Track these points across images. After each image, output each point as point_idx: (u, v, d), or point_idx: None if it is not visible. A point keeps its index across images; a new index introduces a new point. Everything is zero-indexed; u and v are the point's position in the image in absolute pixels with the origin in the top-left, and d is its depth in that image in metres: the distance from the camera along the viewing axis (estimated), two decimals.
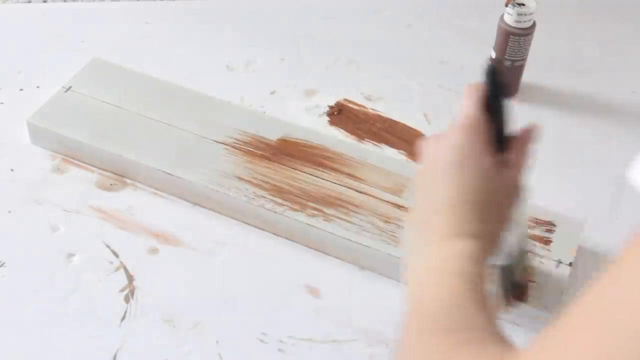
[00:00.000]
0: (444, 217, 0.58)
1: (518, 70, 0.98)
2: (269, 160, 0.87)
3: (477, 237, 0.57)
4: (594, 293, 0.39)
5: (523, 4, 0.92)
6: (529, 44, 0.95)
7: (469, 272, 0.55)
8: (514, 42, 0.94)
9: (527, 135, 0.63)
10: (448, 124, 0.62)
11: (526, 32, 0.94)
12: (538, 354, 0.41)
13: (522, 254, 0.73)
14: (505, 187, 0.60)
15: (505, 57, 0.95)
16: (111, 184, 0.88)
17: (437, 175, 0.60)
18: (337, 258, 0.82)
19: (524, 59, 0.97)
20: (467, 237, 0.57)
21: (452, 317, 0.52)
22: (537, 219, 0.82)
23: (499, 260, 0.67)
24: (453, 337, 0.49)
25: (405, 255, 0.60)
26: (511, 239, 0.66)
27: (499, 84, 0.62)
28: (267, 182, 0.84)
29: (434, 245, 0.57)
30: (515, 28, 0.93)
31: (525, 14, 0.92)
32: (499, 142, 0.61)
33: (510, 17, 0.93)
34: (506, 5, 0.93)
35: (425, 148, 0.62)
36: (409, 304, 0.55)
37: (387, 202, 0.83)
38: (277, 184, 0.84)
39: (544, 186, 0.89)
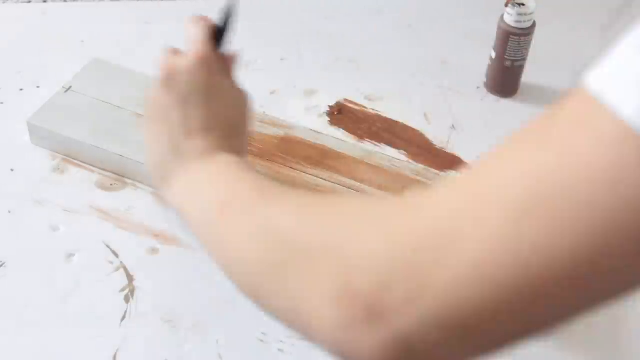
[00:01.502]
0: (198, 140, 0.63)
1: (518, 70, 0.98)
2: (269, 160, 0.87)
3: (233, 152, 0.62)
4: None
5: (523, 4, 0.92)
6: (529, 44, 0.95)
7: (248, 170, 0.59)
8: (514, 42, 0.94)
9: (234, 56, 0.72)
10: (173, 55, 0.70)
11: (526, 32, 0.94)
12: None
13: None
14: (239, 100, 0.69)
15: (505, 57, 0.95)
16: (111, 184, 0.88)
17: (180, 107, 0.65)
18: None
19: (524, 59, 0.97)
20: (224, 152, 0.62)
21: (272, 188, 0.54)
22: None
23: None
24: (296, 196, 0.52)
25: (161, 190, 0.65)
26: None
27: (229, 23, 0.72)
28: None
29: (197, 163, 0.62)
30: (515, 28, 0.93)
31: (525, 14, 0.92)
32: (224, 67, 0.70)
33: (510, 17, 0.93)
34: (506, 6, 0.93)
35: (159, 85, 0.67)
36: (202, 212, 0.57)
37: None
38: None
39: None
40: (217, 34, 0.72)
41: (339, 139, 0.92)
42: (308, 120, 0.95)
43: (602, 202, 0.35)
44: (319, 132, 0.91)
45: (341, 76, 1.03)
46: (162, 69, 0.68)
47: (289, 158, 0.87)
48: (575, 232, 0.35)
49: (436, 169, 0.90)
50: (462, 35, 1.10)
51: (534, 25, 0.94)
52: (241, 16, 1.12)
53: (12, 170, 0.89)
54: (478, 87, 1.02)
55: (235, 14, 0.72)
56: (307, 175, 0.85)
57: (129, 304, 0.77)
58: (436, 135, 0.95)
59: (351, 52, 1.07)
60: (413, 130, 0.96)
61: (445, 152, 0.93)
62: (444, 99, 1.00)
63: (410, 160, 0.91)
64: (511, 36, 0.94)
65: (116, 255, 0.81)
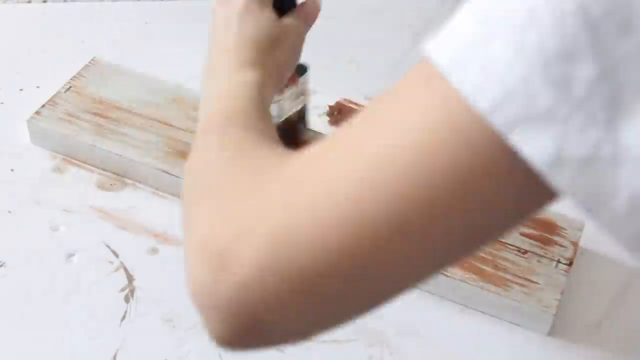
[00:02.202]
0: (229, 55, 0.68)
1: None
2: None
3: (258, 67, 0.66)
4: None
5: None
6: None
7: (253, 96, 0.63)
8: None
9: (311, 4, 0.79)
10: None
11: None
12: (321, 149, 0.44)
13: (301, 113, 0.81)
14: (285, 34, 0.72)
15: None
16: (111, 184, 0.88)
17: (224, 23, 0.70)
18: None
19: None
20: (249, 67, 0.66)
21: (240, 118, 0.58)
22: (537, 218, 0.82)
23: (277, 118, 0.77)
24: (244, 133, 0.55)
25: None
26: (290, 98, 0.80)
27: None
28: None
29: (221, 78, 0.67)
30: None
31: None
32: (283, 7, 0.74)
33: None
34: None
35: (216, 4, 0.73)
36: (204, 113, 0.63)
37: None
38: None
39: None
40: None
41: None
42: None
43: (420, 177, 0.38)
44: (319, 132, 0.91)
45: (341, 76, 1.03)
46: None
47: None
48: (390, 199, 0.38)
49: None
50: None
51: None
52: None
53: (12, 170, 0.89)
54: None
55: None
56: None
57: (129, 304, 0.77)
58: None
59: (351, 52, 1.07)
60: None
61: None
62: None
63: None
64: None
65: (116, 255, 0.81)
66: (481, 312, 0.78)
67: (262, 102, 0.63)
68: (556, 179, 0.35)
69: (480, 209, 0.38)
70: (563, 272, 0.78)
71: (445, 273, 0.77)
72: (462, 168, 0.37)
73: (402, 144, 0.38)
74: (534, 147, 0.34)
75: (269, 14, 0.71)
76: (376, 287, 0.41)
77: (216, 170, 0.50)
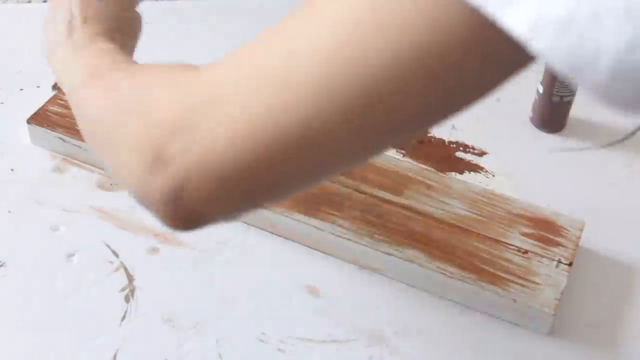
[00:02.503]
0: (90, 27, 0.68)
1: (566, 105, 0.95)
2: None
3: (116, 43, 0.68)
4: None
5: None
6: None
7: (113, 52, 0.64)
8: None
9: None
10: None
11: None
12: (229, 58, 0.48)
13: None
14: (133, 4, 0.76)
15: (554, 92, 0.93)
16: (111, 184, 0.88)
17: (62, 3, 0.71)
18: (337, 258, 0.82)
19: (573, 94, 0.93)
20: (109, 41, 0.67)
21: (128, 65, 0.60)
22: (537, 218, 0.82)
23: None
24: (142, 68, 0.57)
25: (52, 64, 0.70)
26: None
27: None
28: None
29: (86, 43, 0.67)
30: None
31: None
32: None
33: None
34: None
35: None
36: (72, 83, 0.63)
37: (387, 201, 0.83)
38: None
39: (545, 186, 0.89)
40: None
41: None
42: None
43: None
44: None
45: None
46: None
47: None
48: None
49: (436, 168, 0.90)
50: None
51: None
52: (241, 16, 1.12)
53: (12, 170, 0.89)
54: None
55: None
56: None
57: (129, 304, 0.77)
58: (436, 135, 0.95)
59: None
60: None
61: (445, 152, 0.93)
62: None
63: (410, 160, 0.91)
64: None
65: (116, 255, 0.81)
66: (481, 312, 0.78)
67: (119, 56, 0.64)
68: (536, 43, 0.35)
69: (455, 84, 0.40)
70: (563, 272, 0.78)
71: (445, 273, 0.77)
72: (438, 44, 0.38)
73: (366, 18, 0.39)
74: (513, 16, 0.35)
75: None
76: (310, 169, 0.45)
77: (132, 93, 0.52)
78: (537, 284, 0.77)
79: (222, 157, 0.44)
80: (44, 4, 1.14)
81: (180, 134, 0.45)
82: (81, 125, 0.60)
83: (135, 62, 0.63)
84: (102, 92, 0.56)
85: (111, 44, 0.67)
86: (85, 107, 0.59)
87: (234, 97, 0.44)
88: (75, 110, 0.61)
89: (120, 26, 0.72)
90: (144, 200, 0.49)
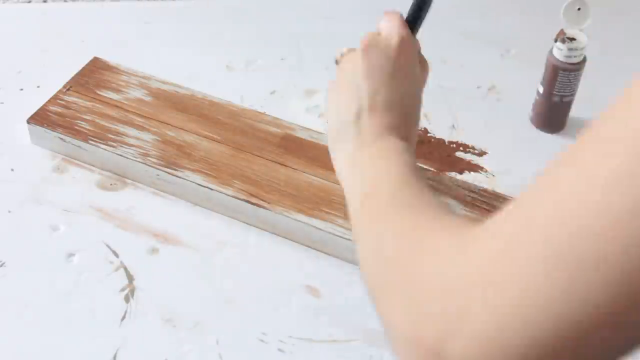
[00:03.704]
0: (377, 117, 0.65)
1: (566, 105, 0.95)
2: (269, 160, 0.87)
3: (404, 138, 0.64)
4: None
5: (574, 39, 0.89)
6: (579, 80, 0.92)
7: (408, 161, 0.61)
8: (563, 77, 0.91)
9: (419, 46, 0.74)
10: (364, 40, 0.70)
11: (576, 68, 0.90)
12: (512, 211, 0.41)
13: None
14: (420, 89, 0.70)
15: (554, 92, 0.92)
16: (111, 184, 0.88)
17: (372, 79, 0.66)
18: (337, 258, 0.82)
19: (573, 95, 0.93)
20: (397, 137, 0.64)
21: (405, 194, 0.56)
22: None
23: None
24: (415, 212, 0.53)
25: (334, 152, 0.67)
26: None
27: (422, 13, 0.75)
28: (266, 182, 0.84)
29: (373, 140, 0.64)
30: (565, 63, 0.90)
31: (576, 49, 0.89)
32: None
33: (560, 52, 0.90)
34: (556, 41, 0.89)
35: (359, 55, 0.70)
36: (354, 193, 0.61)
37: None
38: (277, 183, 0.84)
39: None
40: (409, 19, 0.75)
41: None
42: (308, 120, 0.95)
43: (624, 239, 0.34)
44: (319, 132, 0.91)
45: None
46: (364, 41, 0.70)
47: (289, 158, 0.87)
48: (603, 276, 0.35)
49: (436, 168, 0.90)
50: (462, 35, 1.10)
51: (584, 60, 0.91)
52: (241, 16, 1.12)
53: (12, 170, 0.89)
54: (479, 87, 1.02)
55: (428, 4, 0.75)
56: (307, 175, 0.85)
57: (129, 304, 0.77)
58: (436, 135, 0.95)
59: None
60: None
61: (444, 152, 0.93)
62: (444, 99, 1.00)
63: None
64: (561, 71, 0.91)
65: (116, 255, 0.81)
66: None
67: (414, 165, 0.61)
68: None
69: None
70: None
71: None
72: None
73: None
74: None
75: (417, 71, 0.70)
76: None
77: (398, 260, 0.48)
78: None
79: (512, 346, 0.38)
80: (44, 4, 1.14)
81: (455, 324, 0.40)
82: (355, 239, 0.57)
83: (418, 176, 0.59)
84: (372, 227, 0.55)
85: (398, 140, 0.63)
86: (357, 231, 0.57)
87: (510, 277, 0.38)
88: (351, 221, 0.59)
89: (407, 115, 0.67)
90: None
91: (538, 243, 0.37)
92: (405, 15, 0.73)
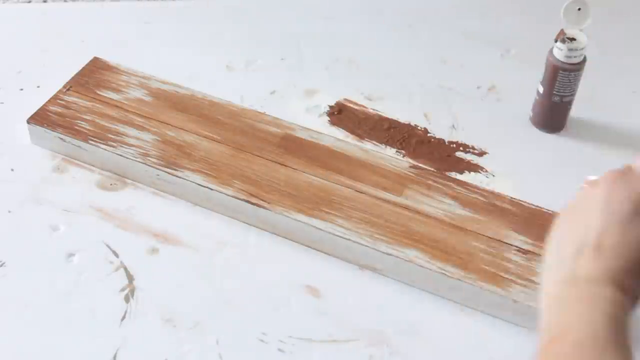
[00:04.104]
0: (601, 259, 0.58)
1: (566, 105, 0.94)
2: (269, 160, 0.87)
3: (624, 290, 0.56)
4: None
5: (574, 39, 0.89)
6: (579, 80, 0.92)
7: (617, 316, 0.54)
8: (563, 77, 0.91)
9: None
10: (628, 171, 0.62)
11: (576, 68, 0.90)
12: None
13: None
14: None
15: (554, 92, 0.92)
16: (111, 184, 0.88)
17: (609, 215, 0.59)
18: (337, 258, 0.82)
19: (573, 95, 0.93)
20: (615, 286, 0.56)
21: (593, 348, 0.51)
22: (537, 217, 0.82)
23: None
24: None
25: (544, 278, 0.60)
26: None
27: None
28: (266, 182, 0.84)
29: (587, 281, 0.57)
30: (565, 63, 0.90)
31: (576, 49, 0.89)
32: None
33: (560, 52, 0.89)
34: (556, 41, 0.89)
35: (605, 184, 0.62)
36: (547, 327, 0.56)
37: (387, 201, 0.83)
38: (277, 183, 0.84)
39: (545, 186, 0.89)
40: None
41: (339, 139, 0.92)
42: (308, 120, 0.95)
43: None
44: (319, 132, 0.91)
45: (341, 76, 1.03)
46: (614, 172, 0.63)
47: (289, 158, 0.87)
48: None
49: (436, 168, 0.90)
50: (462, 35, 1.10)
51: (584, 60, 0.91)
52: (241, 16, 1.12)
53: (12, 170, 0.89)
54: (479, 87, 1.02)
55: None
56: (307, 175, 0.85)
57: (129, 304, 0.77)
58: (436, 135, 0.95)
59: (351, 52, 1.07)
60: (413, 129, 0.96)
61: (445, 152, 0.93)
62: (444, 99, 1.00)
63: (410, 160, 0.91)
64: (561, 71, 0.90)
65: (116, 255, 0.81)
66: (481, 312, 0.78)
67: (623, 324, 0.54)
68: None
69: None
70: None
71: (445, 273, 0.77)
72: None
73: None
74: None
75: None
76: None
77: None
78: (537, 284, 0.77)
79: None
80: (44, 4, 1.14)
81: None
82: None
83: (622, 337, 0.53)
84: None
85: (615, 291, 0.56)
86: None
87: None
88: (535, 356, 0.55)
89: (634, 265, 0.58)
90: None
91: None
92: None
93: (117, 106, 0.92)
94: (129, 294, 0.78)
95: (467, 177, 0.90)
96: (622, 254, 0.58)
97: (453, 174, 0.90)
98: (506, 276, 0.77)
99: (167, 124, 0.90)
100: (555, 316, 0.57)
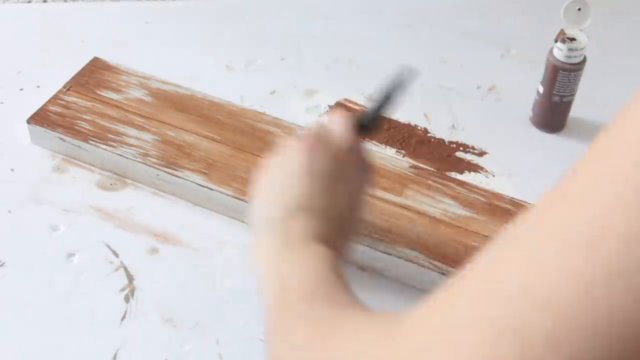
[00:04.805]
0: (306, 220, 0.61)
1: (566, 106, 0.94)
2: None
3: (335, 248, 0.60)
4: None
5: (574, 39, 0.89)
6: (579, 80, 0.92)
7: (334, 267, 0.57)
8: (563, 77, 0.91)
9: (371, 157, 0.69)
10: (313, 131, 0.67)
11: (576, 68, 0.90)
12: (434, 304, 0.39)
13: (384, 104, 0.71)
14: (359, 203, 0.66)
15: (554, 92, 0.92)
16: (111, 184, 0.88)
17: (308, 181, 0.63)
18: None
19: (573, 95, 0.93)
20: (327, 245, 0.59)
21: (324, 292, 0.53)
22: None
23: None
24: (332, 306, 0.51)
25: (258, 240, 0.63)
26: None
27: (393, 96, 0.69)
28: None
29: (299, 241, 0.60)
30: (565, 63, 0.90)
31: (576, 49, 0.89)
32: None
33: (560, 52, 0.89)
34: (556, 41, 0.89)
35: (299, 151, 0.65)
36: (268, 288, 0.58)
37: (387, 201, 0.83)
38: None
39: (545, 186, 0.89)
40: (363, 122, 0.69)
41: None
42: (308, 120, 0.95)
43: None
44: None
45: (341, 76, 1.03)
46: (310, 137, 0.66)
47: None
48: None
49: (436, 168, 0.90)
50: (462, 35, 1.10)
51: (584, 60, 0.90)
52: (241, 16, 1.12)
53: (12, 170, 0.89)
54: (479, 87, 1.02)
55: (390, 105, 0.70)
56: None
57: (129, 304, 0.77)
58: (436, 135, 0.95)
59: (351, 52, 1.07)
60: (413, 129, 0.96)
61: (445, 152, 0.93)
62: (444, 99, 1.00)
63: (410, 160, 0.91)
64: (561, 71, 0.90)
65: (116, 255, 0.81)
66: None
67: (341, 272, 0.57)
68: None
69: None
70: None
71: (445, 273, 0.77)
72: None
73: None
74: None
75: (361, 176, 0.66)
76: None
77: (313, 348, 0.47)
78: None
79: None
80: (44, 4, 1.14)
81: None
82: (266, 337, 0.56)
83: (343, 281, 0.56)
84: (284, 321, 0.52)
85: (327, 249, 0.59)
86: (268, 327, 0.54)
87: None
88: (264, 320, 0.57)
89: (342, 225, 0.63)
90: None
91: (478, 323, 0.35)
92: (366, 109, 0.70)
93: (117, 106, 0.92)
94: (129, 294, 0.78)
95: (467, 177, 0.90)
96: (329, 217, 0.61)
97: (453, 174, 0.90)
98: None
99: (167, 124, 0.90)
100: (278, 276, 0.58)
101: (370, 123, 0.69)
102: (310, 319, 0.51)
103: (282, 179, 0.64)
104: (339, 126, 0.67)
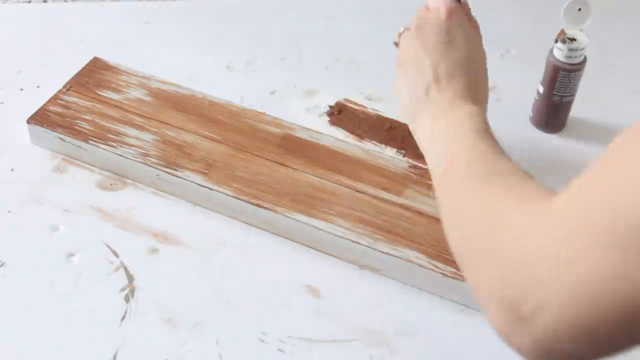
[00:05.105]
0: (444, 87, 0.70)
1: (566, 106, 0.94)
2: (269, 160, 0.87)
3: (476, 101, 0.69)
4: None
5: (574, 39, 0.89)
6: (579, 80, 0.92)
7: (479, 126, 0.65)
8: (563, 77, 0.91)
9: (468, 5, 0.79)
10: (418, 15, 0.76)
11: (577, 68, 0.90)
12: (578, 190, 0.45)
13: None
14: (479, 49, 0.75)
15: (554, 92, 0.92)
16: (111, 184, 0.88)
17: (430, 54, 0.72)
18: (337, 258, 0.82)
19: (573, 95, 0.93)
20: (470, 101, 0.69)
21: (480, 165, 0.60)
22: None
23: None
24: (491, 183, 0.57)
25: (413, 126, 0.73)
26: None
27: None
28: (266, 182, 0.84)
29: (441, 111, 0.69)
30: (566, 63, 0.90)
31: (576, 49, 0.89)
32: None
33: (560, 52, 0.89)
34: (556, 41, 0.89)
35: (412, 34, 0.74)
36: (435, 163, 0.65)
37: (387, 201, 0.83)
38: (277, 183, 0.84)
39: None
40: None
41: (339, 139, 0.92)
42: (308, 120, 0.95)
43: None
44: (319, 132, 0.91)
45: (341, 76, 1.03)
46: (415, 20, 0.75)
47: (289, 158, 0.87)
48: None
49: None
50: None
51: (584, 60, 0.90)
52: (241, 16, 1.12)
53: (12, 170, 0.89)
54: None
55: None
56: (307, 175, 0.85)
57: (129, 304, 0.77)
58: None
59: (351, 52, 1.07)
60: None
61: None
62: None
63: (410, 160, 0.91)
64: (561, 71, 0.90)
65: (116, 255, 0.81)
66: (481, 312, 0.78)
67: (486, 130, 0.66)
68: None
69: None
70: None
71: (445, 273, 0.77)
72: None
73: None
74: None
75: (474, 36, 0.74)
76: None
77: (478, 230, 0.54)
78: None
79: (581, 315, 0.43)
80: (44, 4, 1.14)
81: (532, 291, 0.45)
82: (438, 209, 0.62)
83: (490, 142, 0.64)
84: (452, 199, 0.60)
85: (468, 105, 0.68)
86: (440, 201, 0.62)
87: (578, 256, 0.43)
88: (436, 190, 0.64)
89: (472, 77, 0.72)
90: (509, 342, 0.50)
91: (603, 228, 0.41)
92: None
93: (117, 106, 0.92)
94: (129, 294, 0.78)
95: None
96: (458, 75, 0.71)
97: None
98: None
99: (167, 124, 0.90)
100: (438, 151, 0.66)
101: None
102: (476, 202, 0.56)
103: (409, 66, 0.74)
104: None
